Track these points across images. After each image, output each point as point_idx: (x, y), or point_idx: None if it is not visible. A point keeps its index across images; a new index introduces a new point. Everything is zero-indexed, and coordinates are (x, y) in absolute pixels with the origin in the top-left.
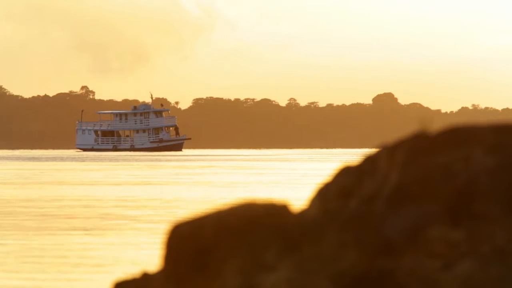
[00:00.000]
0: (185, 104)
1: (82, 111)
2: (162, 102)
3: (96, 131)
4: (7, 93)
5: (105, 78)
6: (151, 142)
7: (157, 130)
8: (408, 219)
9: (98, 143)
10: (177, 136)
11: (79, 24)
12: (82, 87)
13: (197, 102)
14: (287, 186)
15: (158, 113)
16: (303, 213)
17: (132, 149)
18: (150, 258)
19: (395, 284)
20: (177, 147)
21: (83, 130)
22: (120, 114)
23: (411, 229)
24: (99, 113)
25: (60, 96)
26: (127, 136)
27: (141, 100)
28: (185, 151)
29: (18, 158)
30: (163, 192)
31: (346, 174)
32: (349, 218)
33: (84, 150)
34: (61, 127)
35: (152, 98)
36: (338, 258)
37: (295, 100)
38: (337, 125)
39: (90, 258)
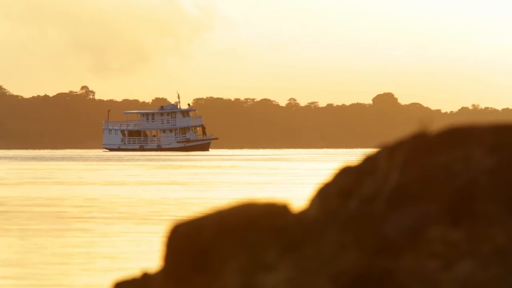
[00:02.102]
0: (185, 104)
1: (109, 111)
2: (162, 102)
3: (122, 131)
4: (7, 93)
5: (104, 78)
6: (178, 142)
7: (184, 130)
8: (408, 219)
9: (124, 143)
10: (204, 136)
11: (78, 24)
12: (82, 87)
13: (197, 102)
14: (287, 186)
15: (185, 113)
16: (303, 213)
17: (159, 149)
18: (150, 258)
19: (395, 284)
20: (204, 147)
21: (110, 130)
22: (147, 113)
23: (411, 229)
24: (126, 113)
25: (60, 96)
26: (154, 136)
27: (141, 100)
28: (212, 151)
29: (33, 159)
30: (163, 192)
31: (346, 174)
32: (349, 218)
33: (111, 150)
34: (62, 127)
35: (179, 98)
36: (338, 258)
37: (295, 100)
38: (337, 125)
39: (90, 258)
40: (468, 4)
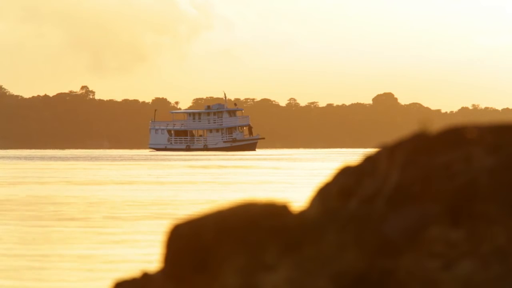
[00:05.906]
0: (185, 104)
1: (155, 110)
2: (163, 102)
3: (169, 131)
4: (7, 93)
5: (103, 77)
6: (224, 141)
7: (231, 129)
8: (408, 219)
9: (171, 143)
10: (251, 135)
11: (77, 23)
12: (82, 87)
13: (197, 102)
14: (287, 186)
15: (232, 113)
16: (303, 213)
17: (205, 149)
18: (150, 258)
19: (395, 284)
20: (251, 146)
21: (156, 129)
22: (194, 113)
23: (411, 229)
24: (172, 113)
25: (60, 96)
26: (201, 135)
27: (141, 100)
28: (258, 151)
29: (38, 158)
30: (164, 192)
31: (346, 174)
32: (349, 218)
33: (157, 150)
34: (62, 127)
35: (225, 97)
36: (338, 258)
37: (295, 100)
38: (337, 125)
39: (90, 258)
40: (468, 4)
